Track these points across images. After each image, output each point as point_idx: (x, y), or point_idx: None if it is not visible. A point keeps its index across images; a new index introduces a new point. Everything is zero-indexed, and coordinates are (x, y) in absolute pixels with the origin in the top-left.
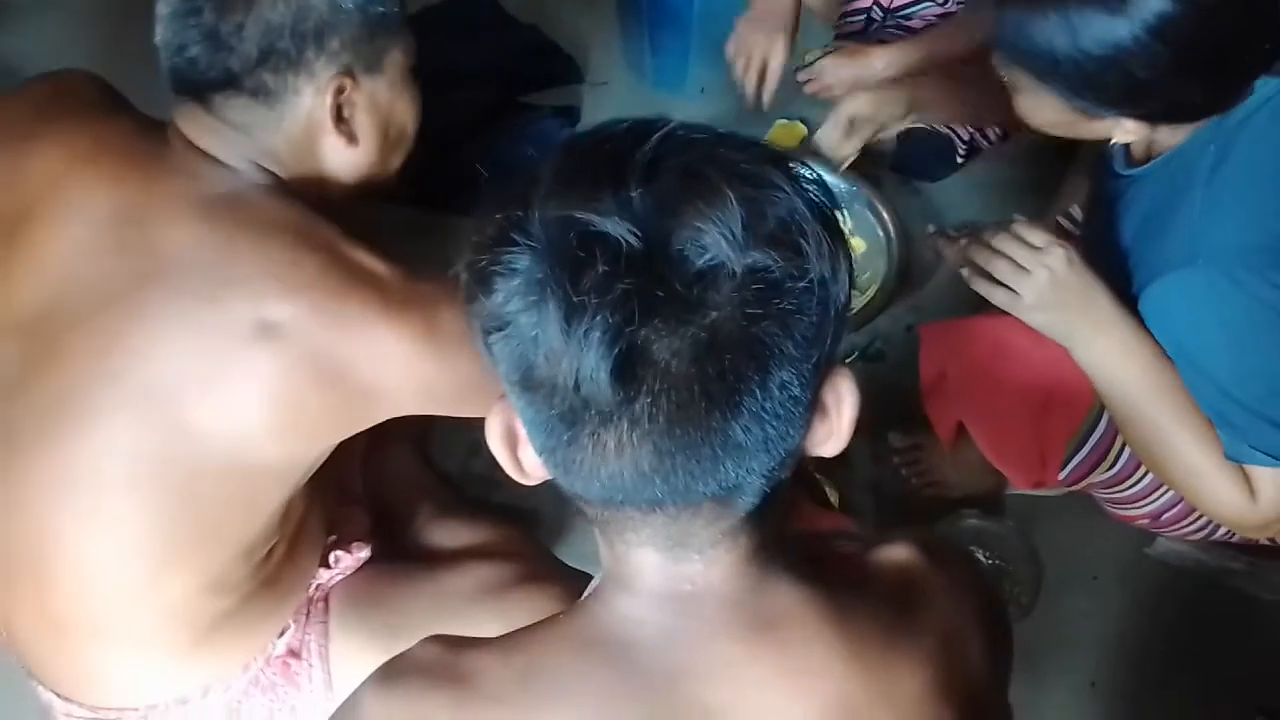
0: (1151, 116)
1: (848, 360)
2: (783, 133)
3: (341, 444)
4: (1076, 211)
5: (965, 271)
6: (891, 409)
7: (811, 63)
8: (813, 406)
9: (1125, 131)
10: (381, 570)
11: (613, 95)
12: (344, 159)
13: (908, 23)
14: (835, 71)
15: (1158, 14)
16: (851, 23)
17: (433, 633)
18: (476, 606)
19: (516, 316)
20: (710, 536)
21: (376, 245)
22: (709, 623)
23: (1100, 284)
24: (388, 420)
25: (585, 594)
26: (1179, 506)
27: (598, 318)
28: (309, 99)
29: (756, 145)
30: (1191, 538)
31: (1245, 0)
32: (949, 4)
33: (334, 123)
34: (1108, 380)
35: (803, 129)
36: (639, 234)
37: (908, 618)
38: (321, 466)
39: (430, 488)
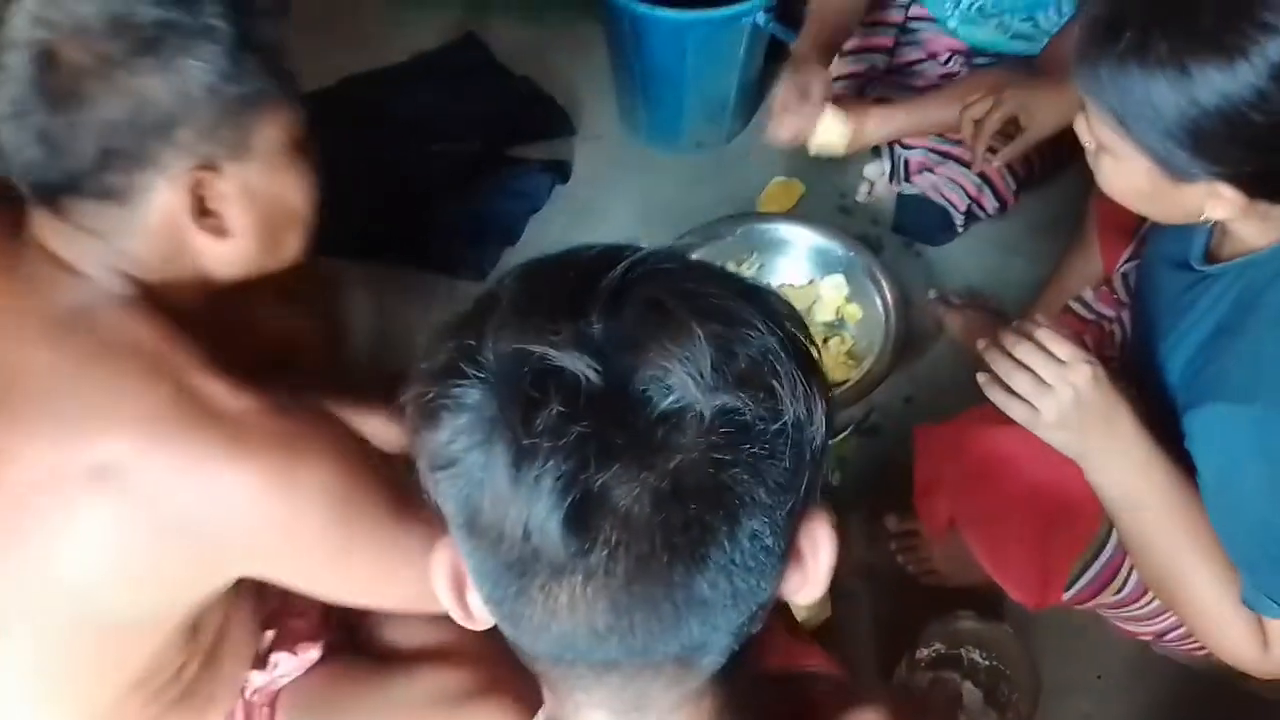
0: (1253, 181)
1: (843, 435)
2: (780, 190)
3: None
4: (1089, 295)
5: (982, 379)
6: (888, 487)
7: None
8: (787, 555)
9: (1219, 203)
10: (335, 671)
11: (605, 149)
12: (219, 254)
13: (909, 81)
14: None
15: None
16: (845, 86)
17: None
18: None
19: (463, 456)
20: (671, 700)
21: (330, 320)
22: None
23: (1124, 405)
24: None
25: None
26: (1185, 629)
27: (550, 463)
28: (165, 196)
29: (729, 277)
30: (1197, 654)
31: None
32: (950, 63)
33: (195, 219)
34: (1123, 506)
35: (800, 186)
36: (599, 370)
37: None
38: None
39: None
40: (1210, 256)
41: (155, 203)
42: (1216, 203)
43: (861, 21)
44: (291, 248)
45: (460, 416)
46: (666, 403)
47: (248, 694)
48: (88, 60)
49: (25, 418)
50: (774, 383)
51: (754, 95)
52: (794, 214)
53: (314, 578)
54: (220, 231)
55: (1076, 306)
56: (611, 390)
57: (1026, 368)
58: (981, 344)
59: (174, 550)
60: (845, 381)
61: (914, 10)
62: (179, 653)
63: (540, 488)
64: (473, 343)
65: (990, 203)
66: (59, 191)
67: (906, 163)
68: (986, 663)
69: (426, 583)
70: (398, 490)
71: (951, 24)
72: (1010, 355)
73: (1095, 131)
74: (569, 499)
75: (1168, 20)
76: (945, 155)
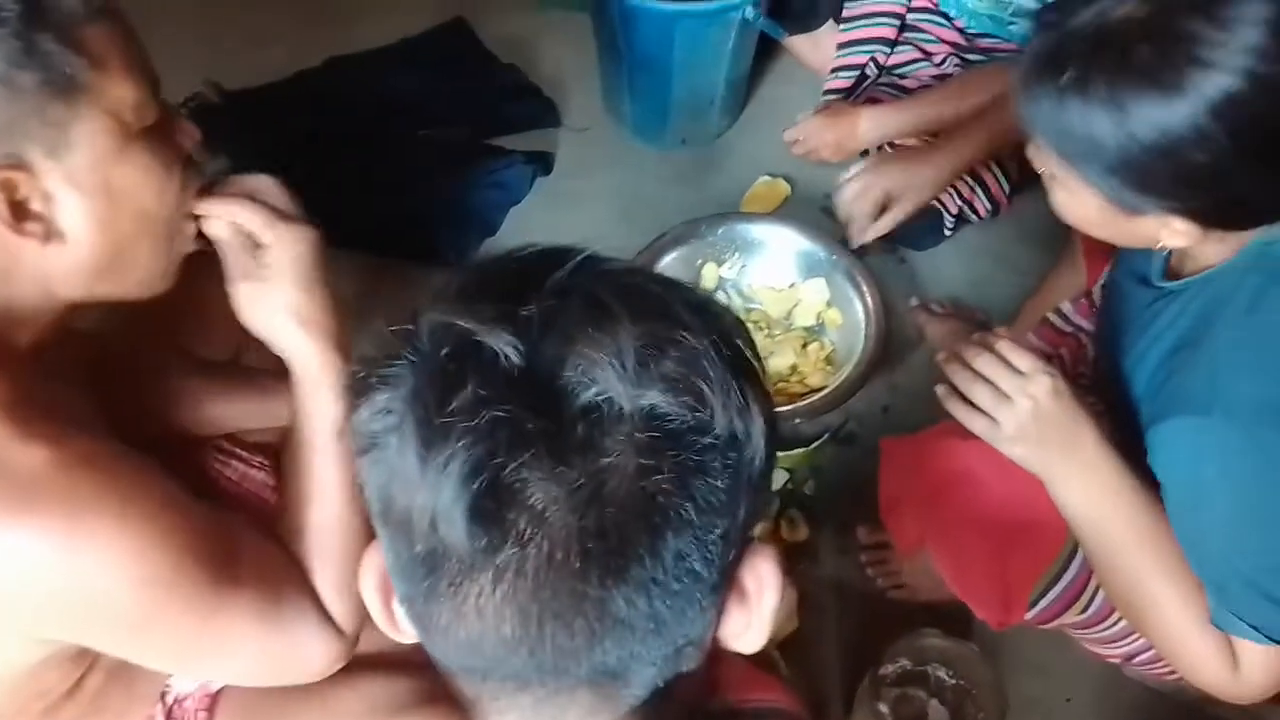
0: (1204, 214)
1: (818, 443)
2: (765, 190)
3: (257, 517)
4: (1068, 308)
5: (940, 391)
6: (862, 498)
7: (799, 122)
8: (723, 588)
9: (1173, 233)
10: None
11: (590, 142)
12: (56, 261)
13: (902, 81)
14: (820, 134)
15: (1223, 92)
16: (843, 76)
17: None
18: None
19: (381, 436)
20: None
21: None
22: None
23: (1087, 418)
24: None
25: None
26: (1154, 651)
27: (460, 444)
28: None
29: (677, 285)
30: (1168, 678)
31: None
32: (944, 64)
33: (10, 225)
34: (1086, 523)
35: (785, 187)
36: (520, 351)
37: None
38: None
39: None
40: (1171, 273)
41: None
42: (1170, 233)
43: (864, 11)
44: (145, 254)
45: (383, 394)
46: (588, 395)
47: (169, 699)
48: None
49: None
50: (703, 387)
51: (742, 92)
52: (778, 215)
53: (125, 647)
54: (50, 235)
55: (1054, 318)
56: (532, 374)
57: (986, 379)
58: (941, 356)
59: None
60: (823, 388)
61: (916, 2)
62: (69, 667)
63: (448, 472)
64: (411, 325)
65: (983, 205)
66: None
67: None
68: (953, 681)
69: (264, 654)
70: (229, 553)
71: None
72: (970, 367)
73: (1043, 163)
74: (476, 485)
75: (1106, 56)
76: None
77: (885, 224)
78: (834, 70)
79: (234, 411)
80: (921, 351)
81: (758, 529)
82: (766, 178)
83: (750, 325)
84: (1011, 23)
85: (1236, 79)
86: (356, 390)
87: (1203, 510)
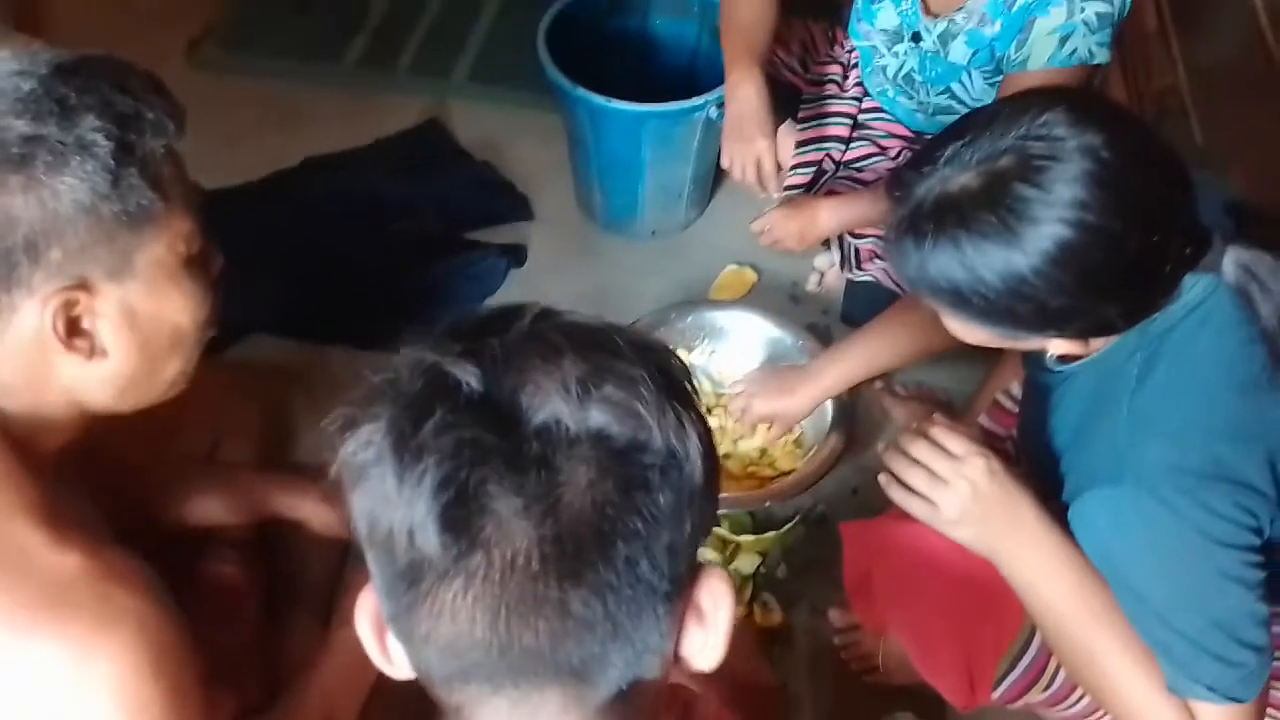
0: (1074, 333)
1: (789, 526)
2: (733, 277)
3: (231, 611)
4: (1016, 389)
5: (882, 479)
6: (833, 581)
7: (764, 214)
8: (677, 600)
9: (1057, 347)
10: None
11: (562, 235)
12: (91, 375)
13: (860, 174)
14: (784, 225)
15: (1057, 242)
16: (802, 173)
17: None
18: None
19: (366, 466)
20: None
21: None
22: None
23: (1025, 495)
24: (286, 583)
25: None
26: None
27: (430, 461)
28: (33, 317)
29: (624, 330)
30: None
31: (1153, 211)
32: (899, 157)
33: (64, 341)
34: (1036, 599)
35: (753, 275)
36: (479, 379)
37: None
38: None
39: None
40: (1066, 356)
41: (21, 324)
42: (1055, 346)
43: (819, 112)
44: (173, 370)
45: (366, 427)
46: (540, 417)
47: None
48: None
49: None
50: (640, 409)
51: (708, 185)
52: (746, 302)
53: None
54: (93, 351)
55: (1003, 400)
56: (492, 401)
57: (923, 465)
58: (881, 446)
59: None
60: (792, 471)
61: (866, 103)
62: None
63: (421, 487)
64: (393, 373)
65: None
66: None
67: (857, 251)
68: None
69: None
70: (204, 685)
71: (884, 98)
72: (906, 453)
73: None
74: (446, 497)
75: (950, 221)
76: None
77: (774, 437)
78: (793, 167)
79: (212, 507)
80: (889, 433)
81: (732, 613)
82: (734, 266)
83: (720, 410)
84: (933, 115)
85: (1067, 229)
86: (344, 428)
87: (1133, 578)
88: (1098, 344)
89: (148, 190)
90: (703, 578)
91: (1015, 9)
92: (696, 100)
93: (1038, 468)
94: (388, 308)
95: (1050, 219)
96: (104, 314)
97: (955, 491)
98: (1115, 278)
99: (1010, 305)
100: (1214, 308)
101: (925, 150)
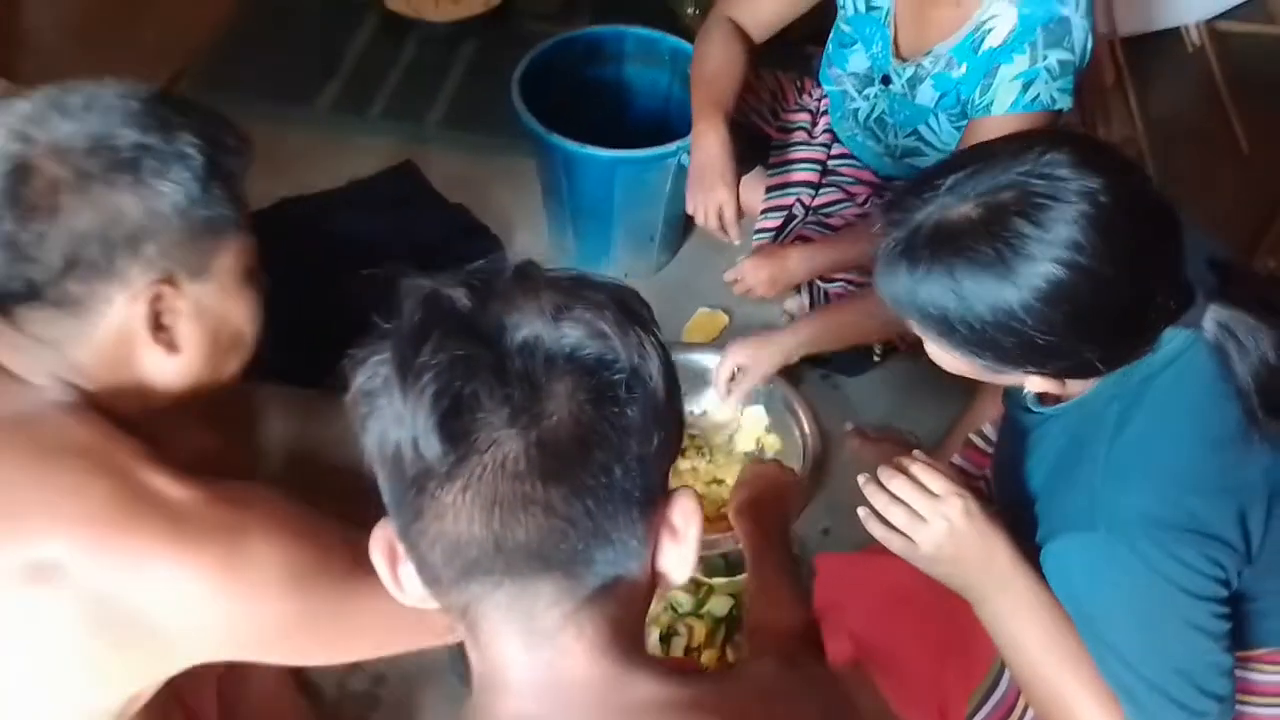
0: (1055, 372)
1: None
2: (705, 320)
3: None
4: (989, 429)
5: (862, 513)
6: None
7: (737, 264)
8: (650, 511)
9: (1035, 384)
10: None
11: None
12: (165, 368)
13: (828, 220)
14: (755, 273)
15: (1049, 280)
16: (772, 217)
17: None
18: None
19: (375, 394)
20: (554, 621)
21: (247, 436)
22: (576, 713)
23: (1000, 536)
24: None
25: None
26: None
27: (429, 376)
28: (122, 308)
29: (589, 274)
30: None
31: (1144, 260)
32: (866, 204)
33: (151, 332)
34: (1006, 639)
35: (724, 318)
36: (470, 298)
37: (773, 705)
38: (157, 691)
39: (296, 718)
40: (1048, 398)
41: (111, 314)
42: (1033, 384)
43: (788, 158)
44: (231, 368)
45: (374, 356)
46: (521, 334)
47: None
48: (66, 174)
49: None
50: (607, 329)
51: (680, 229)
52: (718, 344)
53: (284, 650)
54: (171, 345)
55: (977, 440)
56: (479, 321)
57: (903, 502)
58: (862, 479)
59: (117, 646)
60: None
61: (835, 149)
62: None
63: (423, 399)
64: (397, 315)
65: (909, 333)
66: (16, 300)
67: (826, 295)
68: None
69: (392, 626)
70: (350, 545)
71: (853, 143)
72: (886, 490)
73: (907, 324)
74: (443, 406)
75: (946, 249)
76: (863, 286)
77: (743, 388)
78: (764, 211)
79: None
80: (858, 474)
81: (700, 529)
82: (706, 309)
83: (693, 450)
84: (901, 158)
85: (1060, 269)
86: (354, 366)
87: (1101, 622)
88: (1075, 387)
89: (228, 202)
90: (675, 498)
91: (980, 53)
92: (668, 147)
93: (1011, 506)
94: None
95: (1045, 257)
96: (183, 311)
97: (933, 529)
98: (1101, 321)
99: (995, 337)
100: (1191, 362)
101: (925, 177)
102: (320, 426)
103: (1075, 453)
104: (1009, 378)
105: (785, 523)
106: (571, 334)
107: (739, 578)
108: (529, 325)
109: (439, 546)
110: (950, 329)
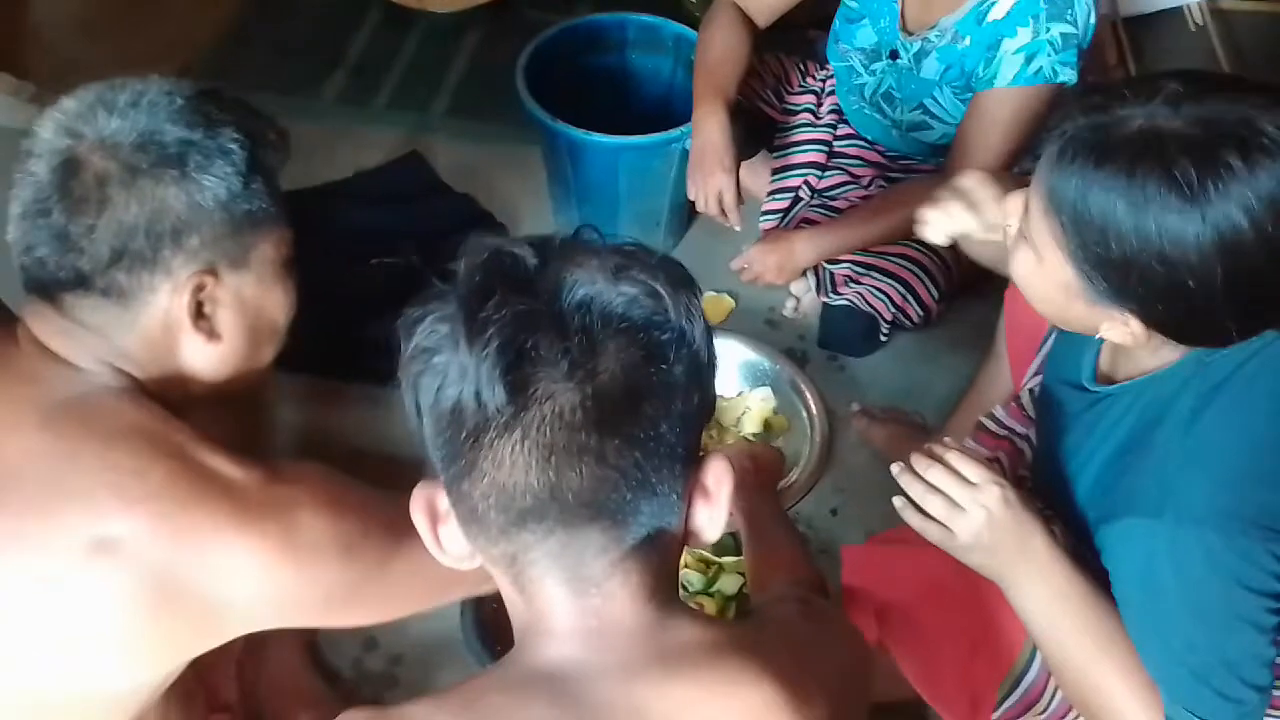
0: (1162, 324)
1: None
2: (710, 304)
3: None
4: (1000, 412)
5: (898, 503)
6: None
7: (743, 252)
8: (688, 468)
9: (1120, 330)
10: None
11: None
12: (205, 356)
13: (833, 203)
14: (762, 260)
15: (1233, 227)
16: (779, 199)
17: None
18: None
19: (437, 348)
20: (602, 568)
21: (267, 423)
22: (620, 656)
23: (1037, 525)
24: None
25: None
26: None
27: (493, 329)
28: (166, 298)
29: (640, 243)
30: None
31: None
32: (870, 186)
33: (193, 321)
34: (1040, 626)
35: (730, 301)
36: (535, 256)
37: (800, 651)
38: (181, 674)
39: (313, 698)
40: (1102, 377)
41: (155, 303)
42: (1116, 328)
43: (794, 140)
44: (266, 356)
45: (433, 313)
46: (581, 292)
47: None
48: (114, 168)
49: (25, 498)
50: (660, 290)
51: (685, 214)
52: (723, 328)
53: (327, 615)
54: (212, 334)
55: (988, 423)
56: (543, 282)
57: (939, 490)
58: (895, 468)
59: (174, 619)
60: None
61: (841, 130)
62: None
63: (487, 352)
64: (456, 275)
65: (915, 312)
66: (66, 288)
67: (833, 276)
68: None
69: (429, 584)
70: (387, 511)
71: (859, 116)
72: (923, 479)
73: (1032, 227)
74: (507, 358)
75: (1150, 159)
76: (869, 267)
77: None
78: (770, 193)
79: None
80: (865, 455)
81: (731, 490)
82: (712, 293)
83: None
84: (907, 131)
85: (1245, 220)
86: (409, 325)
87: (1154, 607)
88: (1140, 356)
89: (267, 196)
90: (708, 461)
91: (984, 25)
92: (672, 132)
93: (1056, 487)
94: (369, 341)
95: (1240, 204)
96: (223, 301)
97: (971, 518)
98: (1253, 287)
99: (1144, 267)
100: (1273, 356)
101: (1137, 81)
102: (334, 415)
103: (1142, 436)
104: (1094, 315)
105: (769, 484)
106: (629, 291)
107: None
108: (588, 283)
109: (493, 496)
110: (1096, 239)
